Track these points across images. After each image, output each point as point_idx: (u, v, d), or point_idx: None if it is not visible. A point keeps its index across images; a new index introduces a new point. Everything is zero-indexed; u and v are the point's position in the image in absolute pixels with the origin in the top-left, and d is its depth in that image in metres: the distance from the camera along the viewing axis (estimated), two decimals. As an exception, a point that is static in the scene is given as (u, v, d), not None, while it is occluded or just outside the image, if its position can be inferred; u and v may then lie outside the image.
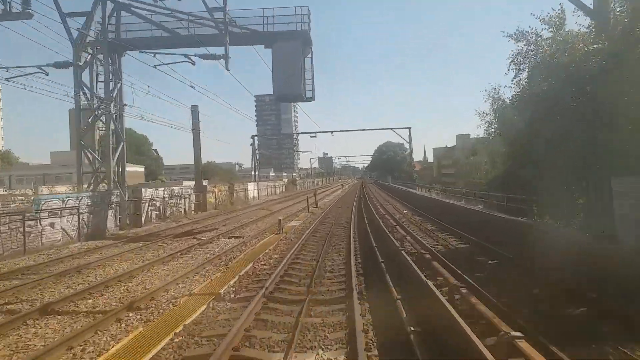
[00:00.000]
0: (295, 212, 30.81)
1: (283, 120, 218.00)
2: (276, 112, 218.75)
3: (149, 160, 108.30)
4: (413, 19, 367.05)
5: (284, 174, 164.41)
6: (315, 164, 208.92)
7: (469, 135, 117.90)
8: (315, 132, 50.91)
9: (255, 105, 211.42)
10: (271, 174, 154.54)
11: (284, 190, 67.93)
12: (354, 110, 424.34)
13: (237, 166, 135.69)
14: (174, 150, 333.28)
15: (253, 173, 52.74)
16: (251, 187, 48.08)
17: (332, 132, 50.90)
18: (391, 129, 49.33)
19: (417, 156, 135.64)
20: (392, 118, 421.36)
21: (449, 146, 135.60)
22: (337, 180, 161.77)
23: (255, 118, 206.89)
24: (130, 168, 77.06)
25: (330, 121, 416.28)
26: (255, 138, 52.63)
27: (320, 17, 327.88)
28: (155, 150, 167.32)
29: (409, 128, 49.74)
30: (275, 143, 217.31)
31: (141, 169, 78.38)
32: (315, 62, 24.23)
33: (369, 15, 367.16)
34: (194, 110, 35.75)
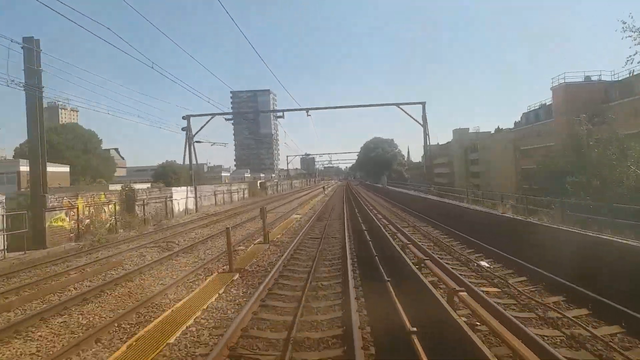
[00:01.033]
0: (209, 262, 12.83)
1: (261, 117, 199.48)
2: (255, 109, 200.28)
3: (97, 160, 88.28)
4: (408, 18, 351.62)
5: (261, 175, 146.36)
6: (298, 165, 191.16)
7: (468, 129, 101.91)
8: (282, 111, 33.12)
9: (231, 102, 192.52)
10: (246, 175, 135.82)
11: (247, 195, 49.69)
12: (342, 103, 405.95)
13: (205, 167, 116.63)
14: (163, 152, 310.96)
15: (190, 172, 34.90)
16: (180, 194, 29.80)
17: (307, 109, 33.24)
18: (397, 104, 31.89)
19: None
20: (378, 120, 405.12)
21: (440, 144, 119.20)
22: (319, 182, 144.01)
23: (232, 116, 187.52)
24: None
25: (318, 116, 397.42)
26: (191, 119, 34.54)
27: (318, 16, 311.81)
28: (116, 149, 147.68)
29: (423, 103, 32.41)
30: (253, 143, 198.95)
31: (64, 169, 58.77)
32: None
33: (365, 16, 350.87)
34: (26, 47, 17.44)
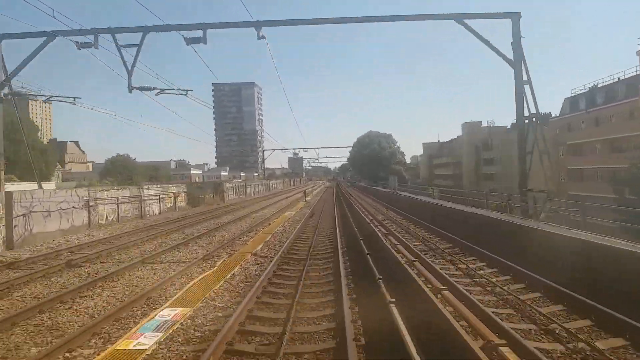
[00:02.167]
0: None
1: (245, 112, 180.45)
2: (237, 104, 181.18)
3: (34, 152, 67.47)
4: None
5: (242, 174, 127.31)
6: (286, 165, 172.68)
7: (480, 123, 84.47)
8: (209, 26, 14.97)
9: (212, 95, 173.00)
10: (223, 173, 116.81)
11: (182, 205, 31.12)
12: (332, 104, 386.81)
13: (173, 163, 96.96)
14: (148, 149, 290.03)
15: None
16: None
17: (257, 24, 14.77)
18: (458, 15, 14.10)
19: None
20: (363, 125, 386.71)
21: (442, 142, 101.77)
22: (306, 182, 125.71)
23: (213, 110, 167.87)
24: None
25: (306, 113, 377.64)
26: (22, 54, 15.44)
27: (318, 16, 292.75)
28: (75, 142, 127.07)
29: (515, 15, 14.42)
30: (236, 139, 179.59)
31: None
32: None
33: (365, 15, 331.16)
34: None
